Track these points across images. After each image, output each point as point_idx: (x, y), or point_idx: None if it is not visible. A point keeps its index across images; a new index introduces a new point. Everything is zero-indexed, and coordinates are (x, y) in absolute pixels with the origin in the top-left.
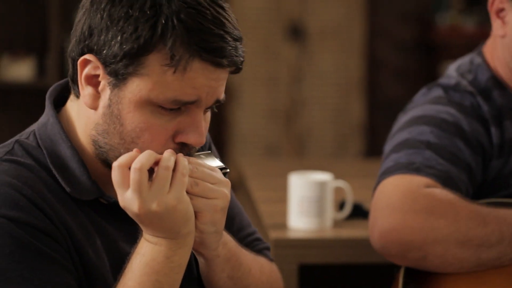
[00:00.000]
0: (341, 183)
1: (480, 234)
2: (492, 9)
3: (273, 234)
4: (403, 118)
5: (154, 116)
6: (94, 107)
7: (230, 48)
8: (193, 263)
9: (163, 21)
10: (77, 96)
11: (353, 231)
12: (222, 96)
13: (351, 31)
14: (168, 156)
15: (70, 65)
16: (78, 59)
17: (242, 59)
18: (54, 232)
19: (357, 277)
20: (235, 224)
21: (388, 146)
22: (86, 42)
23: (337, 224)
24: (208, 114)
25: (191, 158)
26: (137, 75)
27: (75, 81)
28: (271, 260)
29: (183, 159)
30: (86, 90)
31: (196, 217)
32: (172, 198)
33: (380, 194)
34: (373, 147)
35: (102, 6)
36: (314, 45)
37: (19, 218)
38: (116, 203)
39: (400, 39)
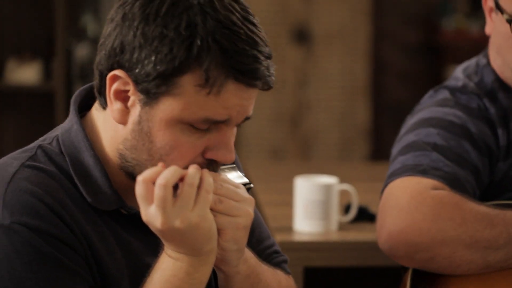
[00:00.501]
0: (346, 187)
1: (488, 236)
2: (485, 8)
3: (279, 237)
4: (410, 121)
5: (184, 134)
6: (123, 122)
7: (263, 68)
8: (212, 278)
9: (199, 43)
10: (103, 107)
11: (359, 234)
12: (251, 113)
13: (357, 34)
14: (194, 172)
15: (97, 77)
16: (107, 74)
17: (273, 78)
18: (74, 242)
19: (363, 280)
20: (255, 236)
21: (395, 149)
22: (117, 58)
23: (342, 227)
24: (235, 128)
25: (216, 174)
26: (169, 94)
27: (102, 93)
28: (288, 273)
29: (208, 176)
30: (115, 105)
31: (218, 234)
32: (196, 215)
33: (388, 196)
34: (378, 150)
35: (135, 24)
36: (319, 49)
37: (39, 227)
38: (137, 214)
39: (406, 42)
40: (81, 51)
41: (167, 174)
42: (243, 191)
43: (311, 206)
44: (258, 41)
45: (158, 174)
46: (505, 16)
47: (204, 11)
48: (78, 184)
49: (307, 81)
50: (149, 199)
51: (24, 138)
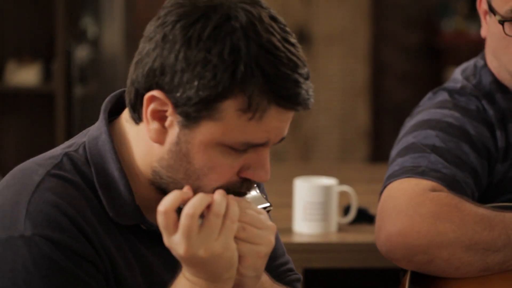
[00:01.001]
0: (346, 188)
1: (487, 238)
2: (480, 11)
3: None
4: (409, 123)
5: (223, 156)
6: (160, 142)
7: (304, 91)
8: None
9: (243, 69)
10: (136, 122)
11: (358, 236)
12: (286, 133)
13: (357, 36)
14: (220, 201)
15: (133, 94)
16: (143, 93)
17: (312, 100)
18: (94, 257)
19: (362, 281)
20: (270, 253)
21: (394, 151)
22: (156, 80)
23: (342, 228)
24: None
25: (240, 200)
26: (210, 119)
27: (136, 110)
28: None
29: (234, 205)
30: (151, 125)
31: (238, 261)
32: (220, 245)
33: (386, 198)
34: (378, 152)
35: (177, 47)
36: (319, 50)
37: (60, 240)
38: (156, 231)
39: (406, 44)
40: (81, 52)
41: (195, 203)
42: (265, 218)
43: (310, 208)
44: (298, 63)
45: (178, 201)
46: (498, 17)
47: (247, 35)
48: (101, 197)
49: None
50: (171, 229)
51: (24, 139)
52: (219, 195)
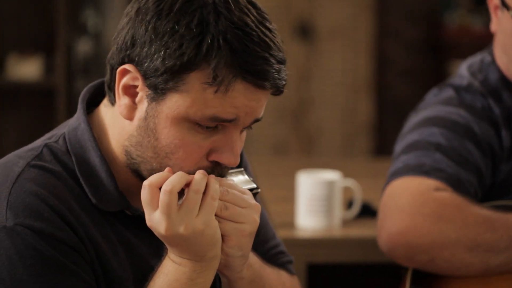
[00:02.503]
0: (349, 182)
1: (489, 239)
2: (490, 5)
3: (281, 233)
4: (414, 119)
5: (190, 133)
6: (130, 118)
7: (274, 71)
8: (216, 282)
9: (209, 41)
10: (112, 103)
11: (361, 231)
12: (260, 115)
13: (360, 31)
14: (200, 178)
15: (108, 72)
16: (117, 68)
17: (284, 82)
18: (78, 244)
19: (365, 276)
20: (260, 236)
21: (398, 147)
22: (128, 52)
23: (345, 223)
24: (244, 133)
25: (222, 180)
26: (176, 91)
27: (111, 88)
28: (293, 274)
29: (214, 182)
30: (122, 100)
31: (223, 240)
32: (200, 222)
33: (389, 196)
34: (381, 146)
35: (148, 18)
36: (322, 45)
37: (43, 229)
38: (141, 216)
39: (409, 39)
40: (82, 46)
41: (173, 180)
42: (249, 197)
43: (314, 202)
44: (271, 45)
45: (164, 180)
46: (511, 13)
47: (217, 11)
48: (84, 185)
49: (310, 77)
50: (154, 205)
51: (25, 133)
52: (199, 173)
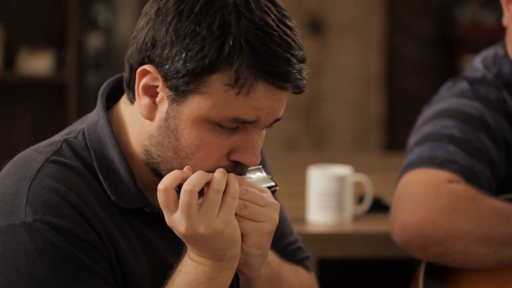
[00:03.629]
0: (360, 177)
1: (502, 232)
2: None
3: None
4: (428, 111)
5: (211, 134)
6: (150, 118)
7: (295, 71)
8: (234, 280)
9: (231, 43)
10: (131, 101)
11: (373, 225)
12: (280, 114)
13: (371, 25)
14: (220, 178)
15: (127, 71)
16: (137, 68)
17: (305, 81)
18: (96, 241)
19: (376, 271)
20: (278, 232)
21: (412, 139)
22: (148, 53)
23: (356, 218)
24: (264, 131)
25: (242, 178)
26: (198, 92)
27: (131, 87)
28: (310, 270)
29: (234, 182)
30: (142, 100)
31: (242, 239)
32: (220, 222)
33: (403, 188)
34: (392, 141)
35: (169, 19)
36: (333, 39)
37: (62, 225)
38: (160, 213)
39: (420, 33)
40: (93, 40)
41: (193, 180)
42: (268, 196)
43: (325, 197)
44: (292, 44)
45: (178, 180)
46: None
47: (238, 11)
48: (102, 181)
49: (321, 71)
50: (172, 207)
51: (36, 128)
52: (218, 172)
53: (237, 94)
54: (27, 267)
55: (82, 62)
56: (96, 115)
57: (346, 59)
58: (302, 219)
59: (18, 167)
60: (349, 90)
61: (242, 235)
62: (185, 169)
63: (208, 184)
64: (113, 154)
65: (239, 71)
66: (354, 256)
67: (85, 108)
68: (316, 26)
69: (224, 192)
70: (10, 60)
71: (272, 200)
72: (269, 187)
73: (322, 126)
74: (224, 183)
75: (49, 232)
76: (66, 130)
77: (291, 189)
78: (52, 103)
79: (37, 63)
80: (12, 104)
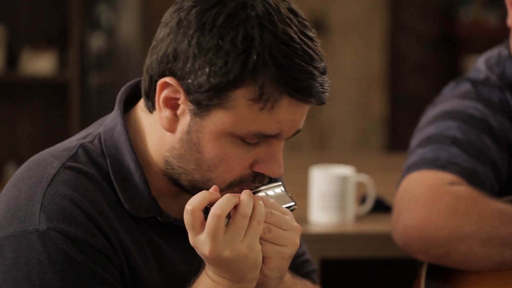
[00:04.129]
0: (362, 178)
1: (504, 233)
2: None
3: None
4: (430, 112)
5: (234, 147)
6: (171, 130)
7: (318, 85)
8: None
9: (255, 57)
10: (150, 110)
11: (375, 226)
12: (301, 126)
13: (373, 25)
14: (247, 201)
15: (147, 81)
16: (157, 79)
17: (327, 94)
18: (109, 250)
19: (379, 271)
20: None
21: (414, 140)
22: (169, 65)
23: (358, 218)
24: (283, 142)
25: (266, 200)
26: (221, 107)
27: (150, 97)
28: (316, 283)
29: (261, 205)
30: (163, 113)
31: (263, 261)
32: (245, 246)
33: (405, 189)
34: (394, 141)
35: (191, 33)
36: (335, 39)
37: (75, 234)
38: (172, 223)
39: (422, 33)
40: (96, 41)
41: (222, 204)
42: (291, 218)
43: (327, 197)
44: (314, 57)
45: (206, 201)
46: None
47: (261, 24)
48: (117, 189)
49: None
50: (198, 229)
51: (38, 128)
52: (246, 195)
53: (262, 109)
54: (38, 275)
55: (84, 62)
56: (113, 120)
57: (348, 59)
58: (304, 220)
59: (34, 171)
60: (351, 90)
61: (263, 257)
62: (212, 189)
63: (235, 206)
64: (129, 162)
65: (263, 86)
66: (356, 256)
67: (87, 108)
68: (318, 26)
69: (251, 216)
70: (13, 60)
71: (295, 223)
72: (288, 207)
73: (324, 126)
74: (251, 207)
75: (62, 241)
76: (82, 133)
77: (293, 190)
78: (54, 103)
79: (40, 63)
80: (14, 104)
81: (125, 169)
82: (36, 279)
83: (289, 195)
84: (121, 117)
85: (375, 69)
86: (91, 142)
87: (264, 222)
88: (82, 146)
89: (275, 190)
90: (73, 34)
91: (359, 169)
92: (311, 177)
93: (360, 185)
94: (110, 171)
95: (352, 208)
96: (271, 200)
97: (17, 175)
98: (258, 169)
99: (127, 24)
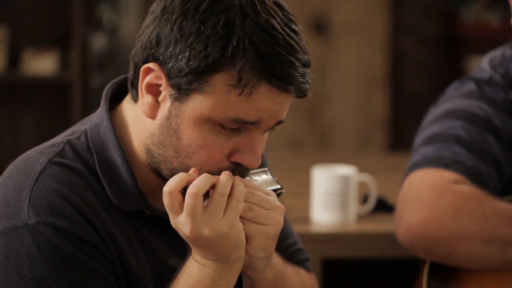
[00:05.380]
0: (364, 177)
1: (507, 233)
2: None
3: (296, 228)
4: (434, 111)
5: (212, 134)
6: (152, 117)
7: (298, 75)
8: (237, 282)
9: (235, 43)
10: (135, 100)
11: (377, 226)
12: (283, 117)
13: (375, 26)
14: (225, 181)
15: (132, 69)
16: (141, 66)
17: (308, 85)
18: (99, 242)
19: (380, 271)
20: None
21: (418, 139)
22: (152, 51)
23: (360, 218)
24: (266, 134)
25: (247, 181)
26: (200, 92)
27: (134, 85)
28: (310, 271)
29: (239, 184)
30: (145, 98)
31: (247, 242)
32: (225, 224)
33: (408, 188)
34: (396, 141)
35: (174, 18)
36: (338, 40)
37: (64, 227)
38: (160, 216)
39: (424, 34)
40: (98, 41)
41: (198, 183)
42: (273, 199)
43: (329, 197)
44: (296, 48)
45: (183, 182)
46: None
47: (244, 12)
48: (104, 183)
49: (325, 72)
50: (177, 210)
51: (40, 128)
52: (224, 175)
53: (240, 94)
54: (29, 269)
55: (86, 63)
56: (99, 116)
57: (350, 60)
58: (306, 219)
59: (21, 168)
60: (353, 90)
61: (246, 237)
62: (191, 171)
63: (213, 186)
64: (115, 156)
65: (242, 72)
66: (358, 256)
67: (90, 108)
68: (320, 27)
69: (230, 195)
70: (15, 60)
71: (277, 203)
72: (275, 190)
73: (326, 126)
74: (230, 186)
75: (51, 234)
76: (69, 131)
77: (295, 189)
78: (57, 104)
79: (42, 64)
80: (16, 104)
81: (111, 163)
82: (27, 273)
83: (275, 179)
84: (107, 113)
85: (377, 69)
86: (78, 138)
87: (245, 201)
88: (68, 142)
89: (261, 176)
90: (75, 35)
91: (361, 169)
92: (313, 177)
93: (362, 185)
94: (97, 166)
95: (354, 208)
96: (254, 183)
97: (5, 174)
98: (236, 158)
99: (129, 24)
